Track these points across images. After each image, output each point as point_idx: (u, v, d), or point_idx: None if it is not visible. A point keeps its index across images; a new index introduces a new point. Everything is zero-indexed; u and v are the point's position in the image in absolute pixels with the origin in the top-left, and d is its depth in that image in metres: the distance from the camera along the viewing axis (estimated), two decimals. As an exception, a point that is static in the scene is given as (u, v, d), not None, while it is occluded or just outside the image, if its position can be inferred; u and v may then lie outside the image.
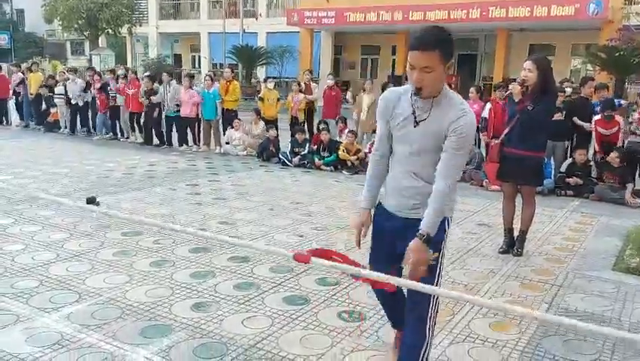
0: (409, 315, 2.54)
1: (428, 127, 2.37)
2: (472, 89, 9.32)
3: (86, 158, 9.40)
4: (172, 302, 3.68)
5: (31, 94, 13.01)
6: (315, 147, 9.49)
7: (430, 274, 2.37)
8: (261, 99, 10.90)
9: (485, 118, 8.19)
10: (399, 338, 2.86)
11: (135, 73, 11.60)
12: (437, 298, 2.51)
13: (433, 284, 2.38)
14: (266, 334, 3.30)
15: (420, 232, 2.32)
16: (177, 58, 33.18)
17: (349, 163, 9.04)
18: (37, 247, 4.71)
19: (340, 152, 9.10)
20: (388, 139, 2.57)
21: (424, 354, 2.52)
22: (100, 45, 28.95)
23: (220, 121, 10.76)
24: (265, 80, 11.71)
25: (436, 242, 2.37)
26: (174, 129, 11.00)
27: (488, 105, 8.37)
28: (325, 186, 7.84)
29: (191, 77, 11.17)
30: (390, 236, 2.55)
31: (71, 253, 4.57)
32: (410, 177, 2.46)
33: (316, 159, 9.22)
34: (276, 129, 10.26)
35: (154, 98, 10.74)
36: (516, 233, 5.07)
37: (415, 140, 2.41)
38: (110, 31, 27.94)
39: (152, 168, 8.80)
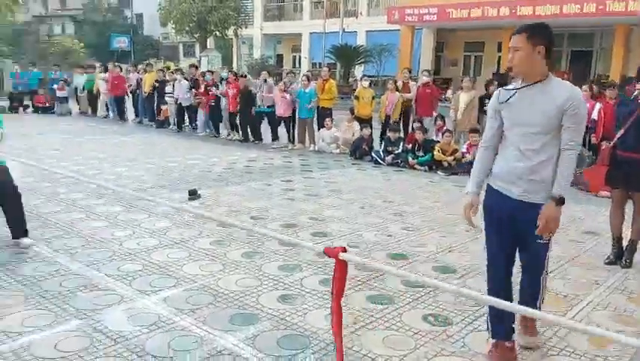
0: (526, 272, 2.97)
1: (538, 108, 2.70)
2: (584, 87, 8.66)
3: (191, 153, 9.97)
4: (260, 293, 3.80)
5: (145, 92, 14.03)
6: (410, 146, 9.35)
7: (544, 250, 2.87)
8: (356, 98, 10.92)
9: (594, 120, 7.60)
10: (499, 349, 3.00)
11: (235, 74, 12.09)
12: (548, 258, 2.94)
13: (545, 256, 2.89)
14: (348, 331, 3.30)
15: (553, 194, 2.69)
16: (279, 58, 34.18)
17: (445, 164, 8.80)
18: (142, 233, 5.08)
19: (435, 152, 8.88)
20: (498, 129, 2.91)
21: (540, 299, 2.98)
22: (208, 47, 30.57)
23: (315, 119, 10.95)
24: (361, 79, 11.70)
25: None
26: (266, 125, 11.43)
27: (598, 105, 7.75)
28: (419, 186, 7.69)
29: (290, 74, 11.50)
30: (499, 215, 2.90)
31: (172, 241, 4.87)
32: (522, 157, 2.76)
33: (410, 158, 9.08)
34: (370, 128, 10.23)
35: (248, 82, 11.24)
36: (625, 242, 4.65)
37: (526, 121, 2.73)
38: (217, 33, 29.41)
39: (251, 164, 9.14)
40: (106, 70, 15.06)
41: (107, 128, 13.53)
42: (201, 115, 12.48)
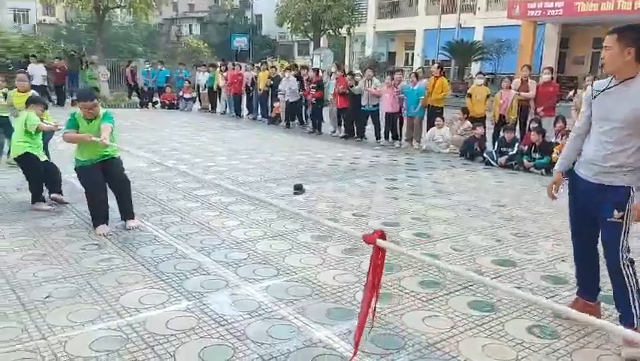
0: (604, 249, 3.16)
1: (621, 104, 2.93)
2: None
3: (298, 149, 10.25)
4: (357, 289, 3.81)
5: (260, 90, 14.63)
6: (526, 147, 8.83)
7: (617, 229, 3.02)
8: (469, 96, 10.53)
9: None
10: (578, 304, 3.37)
11: (344, 71, 12.19)
12: (625, 240, 3.05)
13: (620, 236, 3.02)
14: (446, 336, 3.21)
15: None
16: (391, 56, 33.98)
17: None
18: (250, 224, 5.31)
19: (554, 155, 8.30)
20: (588, 119, 3.17)
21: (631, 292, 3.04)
22: (321, 45, 31.20)
23: (424, 118, 10.72)
24: (476, 76, 11.25)
25: (619, 203, 2.99)
26: (370, 123, 11.42)
27: None
28: (533, 191, 7.25)
29: (393, 72, 11.37)
30: (582, 198, 3.21)
31: (276, 233, 5.04)
32: (600, 147, 3.03)
33: (525, 161, 8.58)
34: (483, 127, 9.81)
35: (355, 89, 11.22)
36: None
37: (613, 117, 2.97)
38: (331, 31, 29.91)
39: (356, 161, 9.19)
40: (226, 69, 15.92)
41: (224, 123, 14.31)
42: (307, 112, 12.78)
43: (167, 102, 17.51)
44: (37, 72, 15.21)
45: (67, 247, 4.50)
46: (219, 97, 16.68)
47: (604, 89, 3.02)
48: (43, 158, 5.85)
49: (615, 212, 2.99)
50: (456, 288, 3.86)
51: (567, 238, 5.05)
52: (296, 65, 15.18)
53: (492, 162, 8.97)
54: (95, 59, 18.65)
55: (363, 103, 11.17)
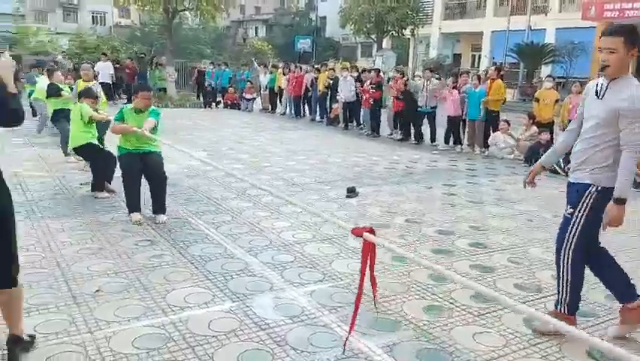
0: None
1: (604, 103, 2.95)
2: None
3: (355, 151, 10.12)
4: (405, 300, 3.66)
5: (319, 91, 14.63)
6: (596, 155, 8.30)
7: (567, 223, 3.14)
8: (537, 100, 10.05)
9: None
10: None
11: (402, 73, 11.94)
12: (574, 236, 3.13)
13: (567, 230, 3.13)
14: (497, 354, 3.01)
15: (613, 196, 2.92)
16: (457, 57, 33.15)
17: (637, 179, 7.63)
18: (299, 226, 5.26)
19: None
20: (581, 116, 3.18)
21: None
22: (384, 47, 30.88)
23: (486, 122, 10.32)
24: (544, 79, 10.72)
25: (574, 199, 3.09)
26: (426, 125, 11.16)
27: None
28: (602, 202, 6.78)
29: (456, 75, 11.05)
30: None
31: (325, 236, 4.96)
32: (583, 145, 3.06)
33: (595, 170, 8.06)
34: (550, 133, 9.33)
35: (412, 84, 10.99)
36: None
37: (594, 114, 3.01)
38: (394, 33, 29.53)
39: (413, 165, 8.97)
40: (289, 70, 16.04)
41: (283, 124, 14.41)
42: (365, 114, 12.62)
43: (229, 102, 17.88)
44: (105, 70, 16.12)
45: (122, 242, 4.62)
46: (280, 98, 16.83)
47: (599, 91, 3.03)
48: (97, 143, 6.35)
49: (568, 206, 3.13)
50: (512, 304, 3.62)
51: (637, 254, 4.69)
52: (355, 67, 15.02)
53: (558, 169, 8.48)
54: (164, 60, 19.31)
55: (420, 104, 10.92)
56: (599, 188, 2.99)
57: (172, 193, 6.18)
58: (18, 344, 2.80)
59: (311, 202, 6.15)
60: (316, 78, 14.91)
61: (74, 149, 6.38)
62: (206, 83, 18.34)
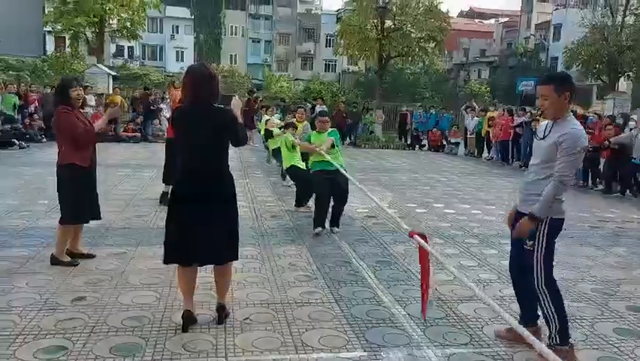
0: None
1: (546, 141, 3.30)
2: None
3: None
4: None
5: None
6: None
7: (530, 254, 3.37)
8: None
9: None
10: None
11: (613, 119, 10.35)
12: (541, 270, 3.34)
13: (534, 265, 3.34)
14: None
15: (530, 210, 3.27)
16: None
17: None
18: (459, 281, 4.87)
19: None
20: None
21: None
22: (618, 89, 27.36)
23: None
24: None
25: (531, 234, 3.31)
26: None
27: None
28: None
29: None
30: None
31: (494, 297, 4.51)
32: (528, 180, 3.43)
33: None
34: None
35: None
36: None
37: (538, 153, 3.39)
38: (630, 74, 25.99)
39: (626, 225, 7.66)
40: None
41: (488, 170, 13.72)
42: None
43: (432, 145, 17.84)
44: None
45: (283, 275, 4.87)
46: (487, 142, 16.14)
47: (545, 130, 3.36)
48: (302, 166, 7.65)
49: (527, 240, 3.35)
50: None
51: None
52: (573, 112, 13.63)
53: None
54: (374, 103, 20.23)
55: (634, 156, 9.39)
56: (549, 219, 3.27)
57: (344, 231, 6.37)
58: (223, 310, 3.77)
59: (485, 257, 5.70)
60: (528, 122, 13.93)
61: (286, 170, 8.03)
62: (413, 126, 18.63)
